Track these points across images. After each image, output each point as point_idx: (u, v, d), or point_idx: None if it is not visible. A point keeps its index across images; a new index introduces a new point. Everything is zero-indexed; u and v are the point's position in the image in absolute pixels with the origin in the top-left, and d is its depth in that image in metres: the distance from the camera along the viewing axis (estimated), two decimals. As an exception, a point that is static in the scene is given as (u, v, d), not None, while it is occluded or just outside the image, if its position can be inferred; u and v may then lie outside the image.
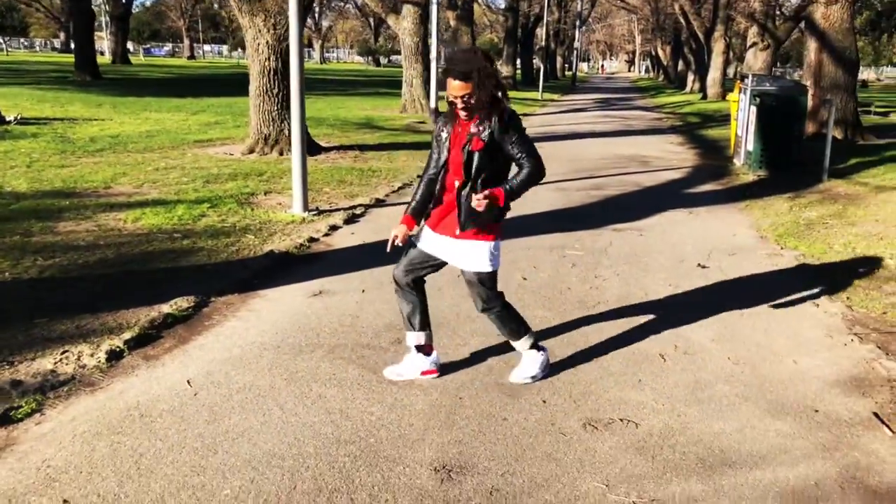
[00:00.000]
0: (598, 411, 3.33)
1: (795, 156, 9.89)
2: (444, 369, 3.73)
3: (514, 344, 3.63)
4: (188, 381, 3.57)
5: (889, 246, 6.13)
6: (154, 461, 2.86)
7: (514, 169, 3.32)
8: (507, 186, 3.21)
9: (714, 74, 28.21)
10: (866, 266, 5.58)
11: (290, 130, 10.98)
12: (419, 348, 3.63)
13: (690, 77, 36.78)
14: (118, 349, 3.90)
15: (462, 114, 3.14)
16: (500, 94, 3.16)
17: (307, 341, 4.11)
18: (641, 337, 4.22)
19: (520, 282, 5.23)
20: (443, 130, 3.29)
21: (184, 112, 16.97)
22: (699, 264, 5.69)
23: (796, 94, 9.89)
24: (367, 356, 3.92)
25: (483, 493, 2.68)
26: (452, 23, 26.32)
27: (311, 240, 6.32)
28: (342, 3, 75.69)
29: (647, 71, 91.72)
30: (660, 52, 57.68)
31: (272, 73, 10.81)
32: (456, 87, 3.04)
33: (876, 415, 3.32)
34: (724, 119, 19.22)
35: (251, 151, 10.95)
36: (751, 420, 3.26)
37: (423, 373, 3.62)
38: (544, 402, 3.41)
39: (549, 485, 2.74)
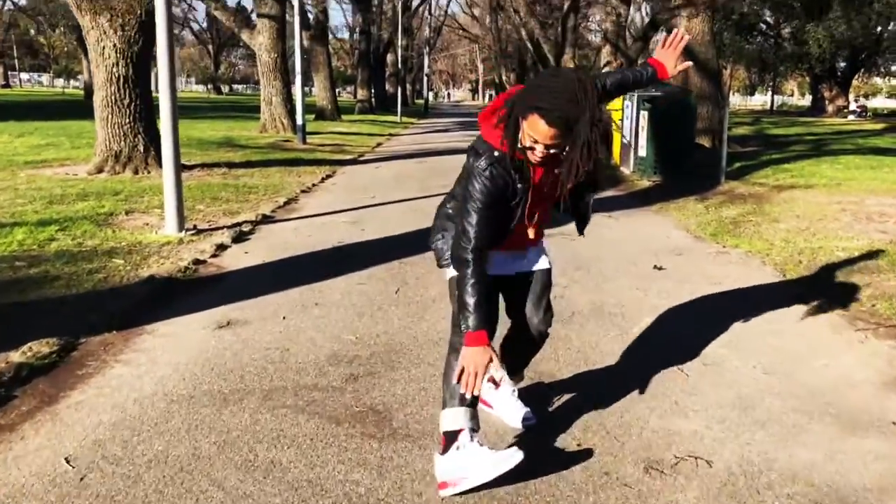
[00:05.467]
0: (651, 449, 2.56)
1: (690, 159, 9.83)
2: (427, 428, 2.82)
3: (522, 373, 2.83)
4: (66, 460, 2.43)
5: (824, 239, 5.92)
6: None
7: None
8: None
9: (566, 96, 29.00)
10: (821, 260, 5.27)
11: (145, 146, 9.65)
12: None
13: (540, 100, 37.87)
14: (-51, 421, 2.66)
15: (535, 159, 2.12)
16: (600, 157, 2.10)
17: (230, 387, 3.05)
18: (645, 350, 3.53)
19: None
20: (519, 182, 2.23)
21: (6, 135, 14.74)
22: (655, 266, 5.14)
23: (686, 97, 9.87)
24: (318, 401, 2.92)
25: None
26: (307, 43, 25.26)
27: (197, 262, 5.15)
28: (178, 30, 72.02)
29: (490, 98, 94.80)
30: (504, 79, 59.51)
31: (122, 80, 9.38)
32: (544, 133, 2.02)
33: (960, 421, 2.79)
34: (588, 135, 19.56)
35: (99, 171, 9.40)
36: (833, 442, 2.62)
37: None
38: (579, 445, 2.59)
39: (651, 564, 1.93)
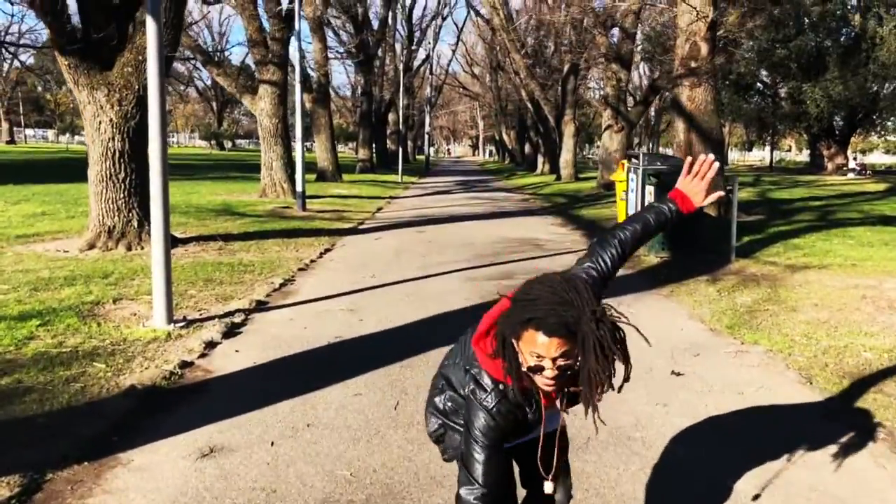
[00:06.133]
0: None
1: (699, 236, 9.58)
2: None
3: None
4: None
5: (848, 334, 5.61)
6: None
7: None
8: None
9: (566, 156, 29.08)
10: (848, 363, 4.95)
11: (139, 221, 9.43)
12: None
13: (540, 159, 38.04)
14: None
15: (547, 385, 1.78)
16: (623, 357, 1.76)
17: (207, 546, 2.71)
18: (671, 490, 3.18)
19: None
20: (529, 414, 1.97)
21: (1, 201, 14.57)
22: (673, 372, 4.82)
23: (693, 173, 9.67)
24: (307, 567, 2.58)
25: None
26: (309, 105, 25.43)
27: (184, 364, 4.84)
28: (183, 87, 73.07)
29: (490, 154, 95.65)
30: (505, 137, 60.09)
31: (117, 155, 9.22)
32: (546, 346, 1.71)
33: None
34: (590, 199, 19.44)
35: (91, 247, 9.15)
36: None
37: None
38: None
39: None
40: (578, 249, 10.62)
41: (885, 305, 6.44)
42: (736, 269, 8.38)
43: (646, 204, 9.70)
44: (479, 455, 1.90)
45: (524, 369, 1.78)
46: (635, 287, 7.71)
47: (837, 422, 3.95)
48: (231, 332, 5.73)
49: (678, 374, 4.76)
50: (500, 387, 1.90)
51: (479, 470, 1.89)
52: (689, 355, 5.21)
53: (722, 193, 2.30)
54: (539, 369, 1.74)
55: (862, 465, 3.45)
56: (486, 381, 1.92)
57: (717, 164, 2.16)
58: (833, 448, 3.61)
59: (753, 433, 3.83)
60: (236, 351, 5.25)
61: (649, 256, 9.63)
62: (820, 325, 5.91)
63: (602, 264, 2.05)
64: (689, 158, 2.21)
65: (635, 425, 3.89)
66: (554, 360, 1.72)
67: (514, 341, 1.76)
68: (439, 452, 2.28)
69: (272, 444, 3.63)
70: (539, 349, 1.71)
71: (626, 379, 1.82)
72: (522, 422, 1.97)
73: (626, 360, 1.79)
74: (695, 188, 2.14)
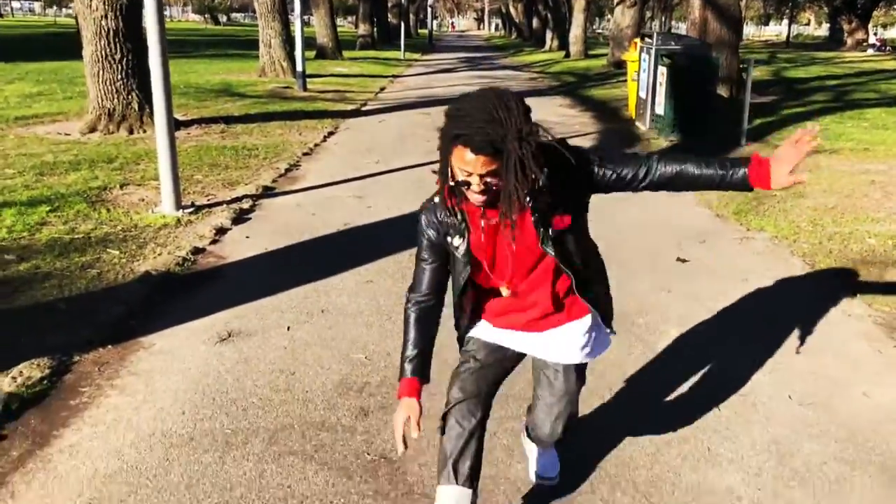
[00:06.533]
0: (685, 514, 2.38)
1: (711, 120, 9.41)
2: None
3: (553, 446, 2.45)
4: (58, 530, 2.26)
5: (854, 221, 5.65)
6: None
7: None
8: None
9: (576, 32, 28.11)
10: (852, 250, 5.01)
11: (139, 104, 9.27)
12: None
13: (549, 35, 36.76)
14: (-69, 476, 2.49)
15: (477, 199, 1.80)
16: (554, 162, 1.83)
17: (233, 424, 2.86)
18: (673, 374, 3.32)
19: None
20: (449, 235, 1.98)
21: (-3, 81, 14.28)
22: (678, 258, 4.89)
23: (708, 53, 9.39)
24: (327, 445, 2.74)
25: None
26: (307, -23, 24.30)
27: (196, 251, 4.92)
28: (174, -44, 69.62)
29: (496, 29, 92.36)
30: (511, 10, 57.75)
31: (111, 34, 8.92)
32: (472, 162, 1.71)
33: None
34: (600, 78, 18.97)
35: (92, 130, 9.06)
36: (879, 501, 2.44)
37: None
38: (602, 501, 2.41)
39: None
40: (588, 132, 10.50)
41: (894, 191, 6.43)
42: (747, 153, 8.29)
43: (657, 87, 9.48)
44: (416, 265, 2.09)
45: (453, 183, 1.82)
46: (642, 171, 7.67)
47: (837, 308, 4.06)
48: (240, 218, 5.78)
49: (683, 261, 4.83)
50: (435, 199, 1.98)
51: (414, 278, 2.09)
52: (695, 242, 5.27)
53: (804, 179, 1.92)
54: (467, 184, 1.78)
55: (859, 349, 3.58)
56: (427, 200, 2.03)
57: (817, 142, 1.85)
58: (832, 333, 3.73)
59: (755, 319, 3.95)
60: (247, 237, 5.32)
61: (659, 139, 9.52)
62: (827, 211, 5.93)
63: (624, 168, 1.94)
64: (798, 132, 1.88)
65: (639, 311, 4.00)
66: (481, 176, 1.74)
67: (448, 156, 1.79)
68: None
69: (288, 328, 3.75)
70: (467, 166, 1.73)
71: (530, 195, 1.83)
72: (451, 241, 1.99)
73: (545, 189, 1.83)
74: (786, 156, 1.85)
